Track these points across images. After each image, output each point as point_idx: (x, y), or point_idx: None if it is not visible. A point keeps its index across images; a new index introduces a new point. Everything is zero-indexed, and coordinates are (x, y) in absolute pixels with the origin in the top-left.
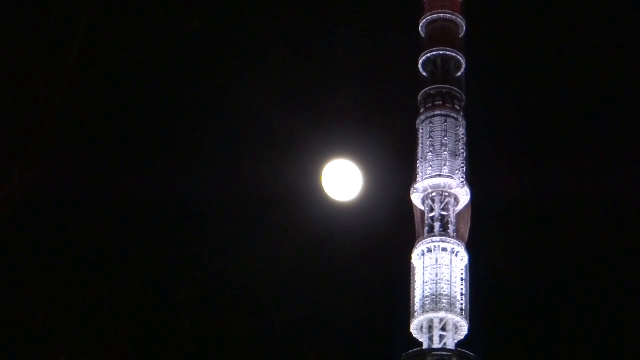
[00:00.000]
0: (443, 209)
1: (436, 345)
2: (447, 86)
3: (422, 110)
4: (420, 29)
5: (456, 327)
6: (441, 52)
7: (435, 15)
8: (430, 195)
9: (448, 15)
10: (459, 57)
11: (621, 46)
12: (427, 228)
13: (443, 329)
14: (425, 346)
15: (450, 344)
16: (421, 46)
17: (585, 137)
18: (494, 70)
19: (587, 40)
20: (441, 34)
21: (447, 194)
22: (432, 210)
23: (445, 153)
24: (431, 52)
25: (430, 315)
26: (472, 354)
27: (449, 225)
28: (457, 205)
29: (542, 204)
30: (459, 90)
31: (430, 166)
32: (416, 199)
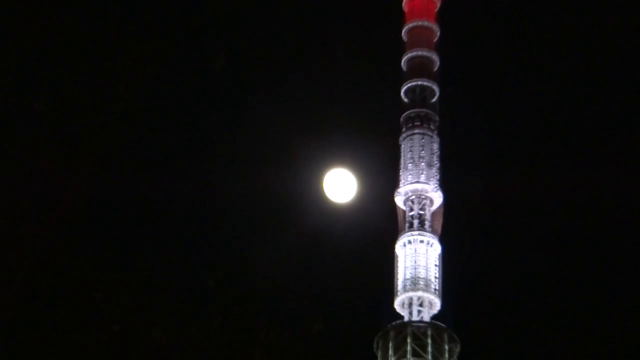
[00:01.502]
0: (420, 209)
1: (415, 318)
2: (424, 110)
3: (403, 129)
4: (402, 64)
5: (431, 304)
6: (419, 83)
7: (414, 53)
8: (410, 198)
9: (425, 53)
10: (433, 87)
11: (582, 62)
12: (407, 224)
13: (420, 305)
14: (406, 319)
15: (426, 317)
16: (403, 77)
17: (540, 147)
18: (461, 97)
19: (544, 63)
20: (419, 68)
21: (423, 197)
22: (411, 209)
23: (422, 164)
24: (411, 82)
25: (410, 294)
26: (443, 325)
27: (425, 222)
28: (432, 206)
29: (502, 203)
30: (433, 113)
31: (410, 174)
32: (399, 200)
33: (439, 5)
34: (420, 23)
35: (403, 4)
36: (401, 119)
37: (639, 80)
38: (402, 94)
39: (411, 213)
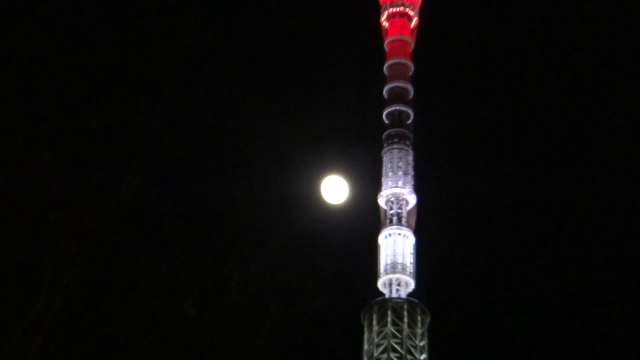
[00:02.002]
0: (398, 208)
1: (394, 295)
2: (401, 129)
3: (385, 145)
4: (384, 92)
5: (406, 284)
6: (397, 108)
7: (393, 84)
8: (390, 199)
9: (401, 84)
10: (408, 111)
11: (555, 73)
12: (388, 220)
13: (398, 285)
14: (387, 296)
15: (403, 294)
16: (385, 103)
17: (496, 153)
18: (431, 118)
19: (509, 80)
20: (397, 96)
21: (401, 199)
22: (391, 209)
23: (400, 172)
24: (391, 107)
25: (390, 276)
26: (417, 300)
27: (402, 219)
28: (407, 206)
29: (465, 204)
30: (408, 132)
31: (390, 181)
32: (381, 201)
33: (413, 46)
34: (398, 60)
35: (384, 45)
36: (383, 136)
37: (600, 85)
38: (383, 116)
39: (391, 212)
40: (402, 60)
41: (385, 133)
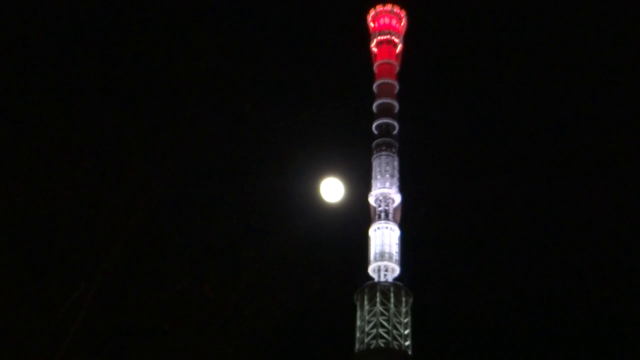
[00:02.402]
0: (386, 206)
1: (382, 279)
2: (388, 139)
3: (374, 152)
4: (373, 107)
5: (393, 270)
6: (385, 120)
7: (381, 100)
8: (379, 198)
9: (388, 100)
10: (394, 123)
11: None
12: (377, 216)
13: (386, 271)
14: (376, 280)
15: (390, 279)
16: (374, 117)
17: (468, 159)
18: (414, 130)
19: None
20: (385, 110)
21: (388, 198)
22: (380, 206)
23: (387, 175)
24: (379, 120)
25: (379, 263)
26: (401, 284)
27: (389, 215)
28: (394, 204)
29: (445, 200)
30: (394, 141)
31: (379, 182)
32: (372, 200)
33: (398, 68)
34: (385, 80)
35: (374, 67)
36: (372, 145)
37: (574, 90)
38: (373, 128)
39: (379, 209)
40: (389, 81)
41: (374, 142)
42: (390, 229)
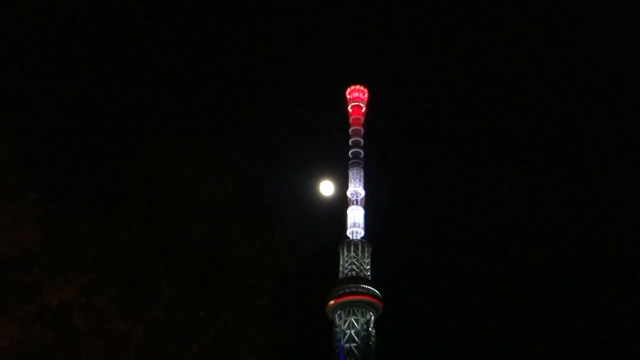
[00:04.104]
0: (356, 197)
1: (354, 238)
2: (358, 159)
3: (350, 166)
4: (349, 142)
5: (360, 233)
6: (355, 150)
7: (354, 138)
8: (352, 193)
9: (357, 138)
10: (361, 151)
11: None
12: (351, 203)
13: (356, 233)
14: (351, 238)
15: (358, 237)
16: (349, 147)
17: (420, 161)
18: (373, 155)
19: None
20: (355, 144)
21: (358, 193)
22: (353, 197)
23: (357, 180)
24: (352, 149)
25: (352, 229)
26: (365, 240)
27: (358, 202)
28: (361, 196)
29: (395, 193)
30: (361, 160)
31: (352, 184)
32: (349, 194)
33: (363, 120)
34: (355, 127)
35: (349, 119)
36: (349, 163)
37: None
38: (349, 153)
39: (353, 199)
40: (358, 127)
41: (350, 161)
42: (359, 210)
